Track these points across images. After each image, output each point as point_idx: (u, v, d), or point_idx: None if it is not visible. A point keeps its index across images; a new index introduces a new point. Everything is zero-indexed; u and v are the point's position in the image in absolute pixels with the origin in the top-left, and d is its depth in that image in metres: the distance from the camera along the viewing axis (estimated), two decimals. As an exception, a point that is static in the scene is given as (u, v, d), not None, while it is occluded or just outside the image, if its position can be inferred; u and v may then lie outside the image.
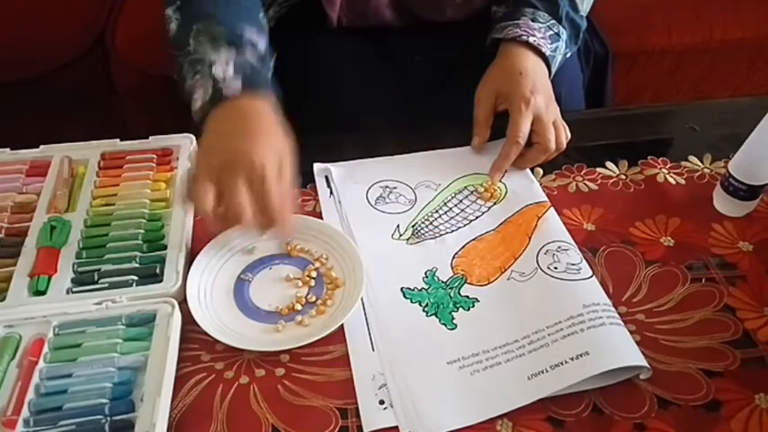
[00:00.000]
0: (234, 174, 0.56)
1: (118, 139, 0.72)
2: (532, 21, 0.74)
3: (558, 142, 0.70)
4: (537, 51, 0.72)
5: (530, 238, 0.64)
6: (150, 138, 0.72)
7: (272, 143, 0.58)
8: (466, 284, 0.60)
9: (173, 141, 0.72)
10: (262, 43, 0.67)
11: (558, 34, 0.74)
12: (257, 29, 0.67)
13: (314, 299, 0.59)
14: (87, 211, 0.64)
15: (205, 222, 0.58)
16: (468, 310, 0.58)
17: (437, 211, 0.67)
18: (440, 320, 0.57)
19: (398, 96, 0.83)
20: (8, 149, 0.70)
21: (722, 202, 0.68)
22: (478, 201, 0.69)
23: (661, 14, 1.20)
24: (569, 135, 0.71)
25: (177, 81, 0.66)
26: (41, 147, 0.71)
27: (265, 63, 0.66)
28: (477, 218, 0.67)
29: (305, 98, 0.78)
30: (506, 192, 0.70)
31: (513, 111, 0.69)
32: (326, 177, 0.71)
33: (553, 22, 0.75)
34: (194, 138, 0.72)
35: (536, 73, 0.71)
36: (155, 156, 0.70)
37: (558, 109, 0.71)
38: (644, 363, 0.52)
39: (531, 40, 0.71)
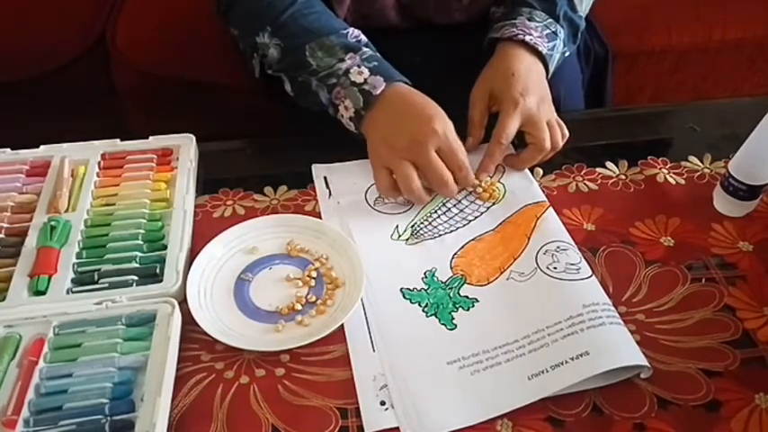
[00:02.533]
0: (425, 149, 0.63)
1: (118, 139, 0.72)
2: (529, 20, 0.74)
3: (554, 142, 0.70)
4: (533, 50, 0.72)
5: (529, 238, 0.64)
6: (150, 138, 0.72)
7: (438, 114, 0.65)
8: (465, 284, 0.60)
9: (173, 141, 0.72)
10: (361, 34, 0.70)
11: (555, 33, 0.74)
12: (347, 25, 0.71)
13: (314, 299, 0.59)
14: (87, 211, 0.64)
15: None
16: (468, 310, 0.58)
17: (436, 212, 0.67)
18: (439, 321, 0.57)
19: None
20: (8, 149, 0.70)
21: (722, 202, 0.68)
22: (477, 201, 0.69)
23: (661, 14, 1.19)
24: (567, 134, 0.71)
25: (298, 97, 0.72)
26: (41, 147, 0.71)
27: (376, 49, 0.70)
28: (476, 218, 0.67)
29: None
30: (505, 192, 0.70)
31: (501, 112, 0.69)
32: (325, 178, 0.71)
33: (550, 20, 0.75)
34: (194, 138, 0.72)
35: (529, 73, 0.70)
36: (155, 156, 0.70)
37: (552, 108, 0.71)
38: (644, 362, 0.52)
39: (527, 38, 0.71)
